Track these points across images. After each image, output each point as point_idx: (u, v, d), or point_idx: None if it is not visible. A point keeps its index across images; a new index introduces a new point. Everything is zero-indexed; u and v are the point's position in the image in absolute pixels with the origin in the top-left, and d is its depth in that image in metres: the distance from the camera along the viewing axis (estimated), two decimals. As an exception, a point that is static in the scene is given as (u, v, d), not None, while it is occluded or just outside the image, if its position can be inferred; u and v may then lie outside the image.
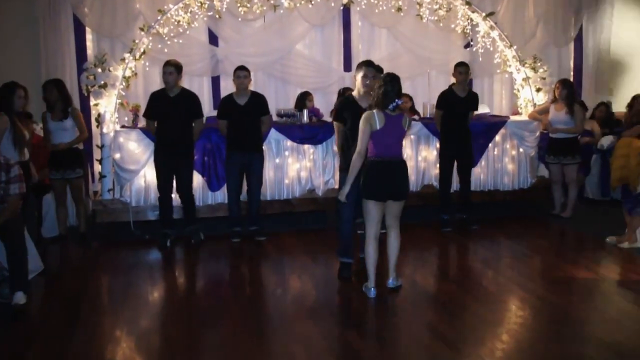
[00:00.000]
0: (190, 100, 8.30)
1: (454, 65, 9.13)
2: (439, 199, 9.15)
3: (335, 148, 9.26)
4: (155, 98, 8.24)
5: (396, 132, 6.16)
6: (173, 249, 8.30)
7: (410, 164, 9.45)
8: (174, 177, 8.30)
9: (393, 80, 6.09)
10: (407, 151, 9.47)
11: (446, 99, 8.96)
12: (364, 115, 6.10)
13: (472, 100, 9.04)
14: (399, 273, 6.66)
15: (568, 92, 9.37)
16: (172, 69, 8.07)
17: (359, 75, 6.70)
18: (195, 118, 8.30)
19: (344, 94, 9.03)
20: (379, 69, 7.41)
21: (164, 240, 8.33)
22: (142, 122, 9.02)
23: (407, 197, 6.37)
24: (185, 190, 8.36)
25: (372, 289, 6.31)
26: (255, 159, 8.50)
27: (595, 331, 5.58)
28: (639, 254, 7.86)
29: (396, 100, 6.04)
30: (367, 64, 6.77)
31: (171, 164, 8.20)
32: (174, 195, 8.46)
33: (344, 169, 6.62)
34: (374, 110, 6.06)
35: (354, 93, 6.85)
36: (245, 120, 8.37)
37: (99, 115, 8.69)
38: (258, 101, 8.50)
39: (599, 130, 10.70)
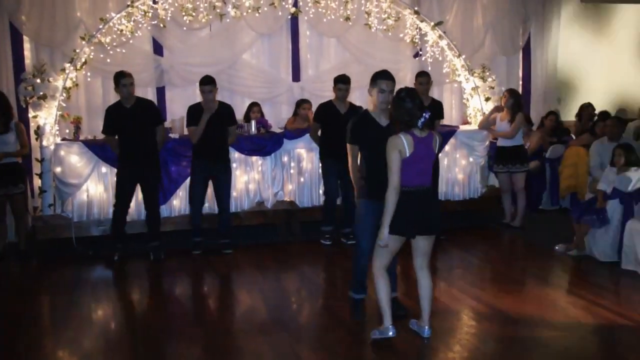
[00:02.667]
0: (149, 108, 8.32)
1: (415, 75, 9.22)
2: None
3: (285, 159, 9.35)
4: (113, 112, 8.18)
5: (427, 156, 5.43)
6: (120, 264, 8.22)
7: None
8: (140, 190, 8.29)
9: (410, 94, 5.38)
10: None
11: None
12: (390, 141, 5.30)
13: (436, 109, 8.97)
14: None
15: (514, 101, 9.50)
16: (132, 79, 8.08)
17: (376, 89, 5.85)
18: (157, 125, 8.29)
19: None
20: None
21: (112, 254, 8.27)
22: (83, 134, 8.92)
23: (439, 229, 5.68)
24: (153, 203, 8.34)
25: (391, 327, 5.50)
26: (222, 169, 8.52)
27: (545, 338, 5.70)
28: (587, 261, 8.05)
29: (424, 114, 5.30)
30: (385, 76, 5.90)
31: (137, 177, 8.18)
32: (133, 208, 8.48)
33: (367, 197, 5.87)
34: (401, 134, 5.29)
35: (370, 109, 6.05)
36: (213, 130, 8.37)
37: (38, 127, 8.57)
38: (225, 111, 8.53)
39: (538, 142, 10.82)
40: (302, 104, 10.00)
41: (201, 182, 8.49)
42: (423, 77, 9.01)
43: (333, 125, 8.62)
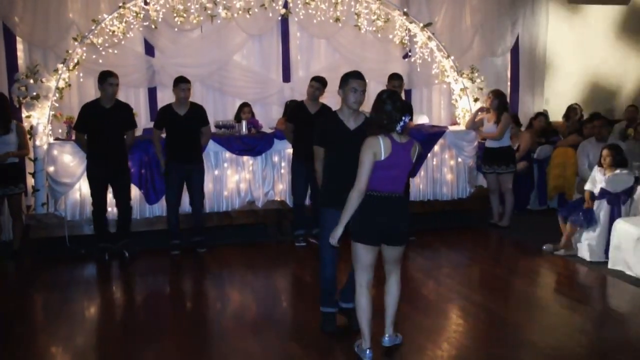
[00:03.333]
0: (126, 111, 8.31)
1: (388, 78, 9.16)
2: None
3: (276, 159, 9.38)
4: (89, 110, 8.18)
5: (403, 163, 5.00)
6: (110, 263, 8.23)
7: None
8: (110, 189, 8.27)
9: (392, 96, 4.99)
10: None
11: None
12: (366, 142, 4.89)
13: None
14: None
15: (499, 102, 9.55)
16: (118, 80, 8.12)
17: (346, 88, 5.43)
18: (129, 129, 8.31)
19: (290, 106, 9.06)
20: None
21: (102, 254, 8.29)
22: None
23: (406, 240, 5.29)
24: (123, 202, 8.32)
25: (368, 350, 5.10)
26: (195, 170, 8.51)
27: (532, 337, 5.76)
28: (575, 261, 8.09)
29: (403, 117, 4.90)
30: (356, 76, 5.49)
31: (106, 176, 8.17)
32: (110, 208, 8.42)
33: (328, 204, 5.46)
34: (379, 136, 4.89)
35: (338, 110, 5.65)
36: (185, 131, 8.38)
37: (31, 127, 8.58)
38: (198, 112, 8.53)
39: (528, 143, 10.89)
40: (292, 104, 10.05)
41: (175, 185, 8.49)
42: (395, 80, 8.94)
43: (302, 125, 8.55)
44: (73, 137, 8.72)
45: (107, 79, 8.05)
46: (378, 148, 4.84)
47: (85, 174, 8.52)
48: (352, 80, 5.41)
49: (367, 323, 5.10)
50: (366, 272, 5.10)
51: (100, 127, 8.07)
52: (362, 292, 5.11)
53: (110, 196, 8.36)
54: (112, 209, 8.43)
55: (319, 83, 8.64)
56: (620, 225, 7.65)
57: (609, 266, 7.71)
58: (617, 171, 7.89)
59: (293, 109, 8.91)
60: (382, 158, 4.84)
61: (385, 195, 4.94)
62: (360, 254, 5.05)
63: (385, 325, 5.31)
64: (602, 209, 7.94)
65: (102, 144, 8.09)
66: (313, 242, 8.88)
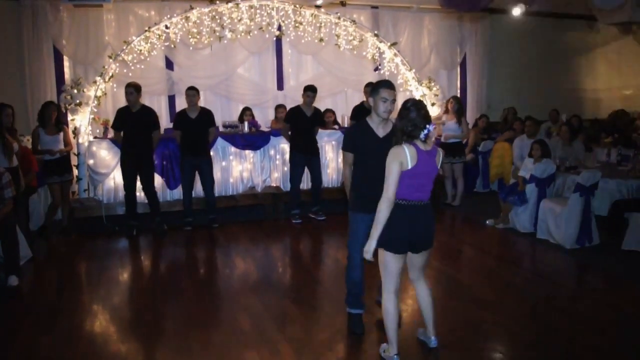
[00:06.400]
0: (150, 115, 8.32)
1: (364, 86, 9.21)
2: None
3: (272, 152, 9.42)
4: (121, 113, 8.23)
5: (429, 170, 4.23)
6: (138, 237, 8.26)
7: (332, 165, 9.64)
8: (138, 177, 8.29)
9: (417, 104, 4.21)
10: (329, 154, 9.63)
11: (358, 112, 8.95)
12: (392, 152, 4.14)
13: None
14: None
15: (459, 106, 9.66)
16: (132, 89, 8.10)
17: (376, 97, 4.63)
18: (154, 129, 8.32)
19: (288, 110, 9.08)
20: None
21: (131, 231, 8.33)
22: (111, 133, 8.95)
23: (432, 245, 4.44)
24: (148, 187, 8.34)
25: (396, 356, 4.34)
26: (204, 162, 8.55)
27: (478, 293, 5.83)
28: (510, 232, 8.20)
29: (427, 126, 4.14)
30: (386, 85, 4.66)
31: (135, 166, 8.20)
32: (139, 193, 8.44)
33: (358, 209, 4.76)
34: (404, 145, 4.14)
35: (368, 118, 4.82)
36: (196, 131, 8.42)
37: (75, 128, 8.61)
38: (206, 115, 8.57)
39: (474, 139, 10.99)
40: (278, 108, 10.23)
41: (188, 174, 8.56)
42: (369, 87, 8.84)
43: (300, 125, 8.78)
44: (109, 136, 8.77)
45: (125, 89, 8.14)
46: (404, 157, 4.10)
47: (118, 165, 8.57)
48: (383, 90, 4.61)
49: (394, 329, 4.35)
50: (394, 280, 4.33)
51: (128, 126, 8.14)
52: (389, 298, 4.34)
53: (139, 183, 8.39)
54: (139, 193, 8.47)
55: (313, 92, 8.78)
56: (545, 203, 7.75)
57: (537, 236, 7.81)
58: (544, 161, 7.96)
59: (291, 113, 8.91)
60: (409, 167, 4.11)
61: (413, 203, 4.21)
62: (389, 262, 4.29)
63: (427, 328, 4.59)
64: (532, 191, 8.01)
65: (131, 140, 8.14)
66: (314, 217, 9.05)
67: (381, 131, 4.71)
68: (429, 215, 4.32)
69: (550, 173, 7.97)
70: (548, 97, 13.12)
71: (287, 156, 9.31)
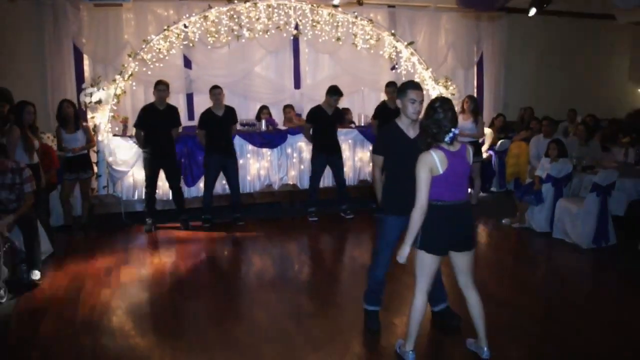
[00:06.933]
0: (175, 112, 8.44)
1: (384, 85, 9.27)
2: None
3: (289, 150, 9.45)
4: (146, 111, 8.27)
5: (461, 170, 4.11)
6: (156, 234, 8.31)
7: (348, 164, 9.66)
8: (162, 174, 8.36)
9: (444, 104, 4.06)
10: (346, 153, 9.63)
11: (381, 111, 9.06)
12: (421, 159, 4.02)
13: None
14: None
15: (475, 105, 9.62)
16: (165, 87, 8.24)
17: (404, 99, 4.58)
18: (176, 127, 8.41)
19: (310, 110, 9.03)
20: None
21: (150, 227, 8.40)
22: (130, 131, 9.02)
23: (475, 245, 4.35)
24: (174, 183, 8.43)
25: (411, 352, 4.31)
26: (230, 161, 8.61)
27: (492, 290, 5.80)
28: (526, 231, 8.17)
29: (452, 129, 4.01)
30: (413, 86, 4.60)
31: (160, 164, 8.28)
32: (159, 191, 8.53)
33: (390, 211, 4.70)
34: (431, 151, 4.02)
35: (397, 119, 4.74)
36: (223, 129, 8.50)
37: (95, 126, 8.68)
38: (231, 113, 8.65)
39: (491, 138, 10.96)
40: (286, 108, 10.24)
41: (213, 172, 8.60)
42: (391, 87, 9.04)
43: (322, 124, 8.79)
44: (128, 134, 8.84)
45: (157, 86, 8.21)
46: (434, 164, 3.99)
47: (137, 162, 8.66)
48: (410, 91, 4.54)
49: (418, 325, 4.29)
50: (429, 280, 4.24)
51: (154, 124, 8.19)
52: (421, 296, 4.25)
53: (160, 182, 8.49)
54: (159, 190, 8.53)
55: (341, 96, 8.80)
56: (561, 203, 7.73)
57: (553, 235, 7.78)
58: (560, 160, 7.95)
59: (313, 112, 8.91)
60: (441, 172, 4.00)
61: (450, 204, 4.10)
62: (427, 263, 4.18)
63: (479, 338, 4.39)
64: (548, 190, 7.97)
65: (156, 138, 8.20)
66: (342, 216, 9.04)
67: (412, 132, 4.63)
68: (467, 215, 4.22)
69: (567, 173, 7.93)
70: (566, 97, 13.05)
71: (305, 154, 9.38)
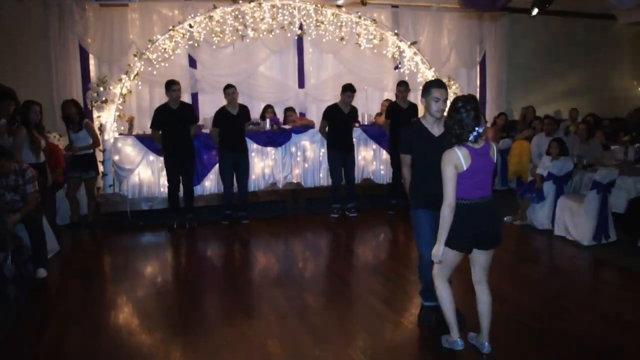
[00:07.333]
0: (190, 110, 8.53)
1: (396, 84, 9.31)
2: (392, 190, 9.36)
3: (293, 149, 9.49)
4: (162, 112, 8.32)
5: (485, 167, 4.14)
6: (162, 232, 8.35)
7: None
8: (180, 173, 8.41)
9: (467, 103, 4.05)
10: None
11: (392, 110, 9.12)
12: (445, 156, 4.06)
13: (413, 110, 9.11)
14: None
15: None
16: (179, 86, 8.31)
17: (428, 98, 4.58)
18: (193, 124, 8.49)
19: (327, 109, 9.09)
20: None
21: (172, 223, 8.46)
22: (135, 131, 9.07)
23: (498, 243, 4.29)
24: (189, 183, 8.48)
25: (458, 340, 4.39)
26: (244, 157, 8.68)
27: (494, 287, 5.82)
28: (528, 228, 8.21)
29: (476, 128, 4.01)
30: (437, 85, 4.63)
31: (178, 163, 8.32)
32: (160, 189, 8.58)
33: (418, 206, 4.72)
34: (455, 148, 4.04)
35: (422, 118, 4.76)
36: (237, 127, 8.57)
37: (101, 125, 8.73)
38: (245, 110, 8.74)
39: (493, 137, 10.94)
40: (287, 111, 10.27)
41: (229, 169, 8.63)
42: (402, 86, 9.10)
43: (338, 122, 8.87)
44: (133, 133, 8.90)
45: (171, 86, 8.24)
46: (458, 161, 4.01)
47: (143, 161, 8.72)
48: (434, 89, 4.55)
49: (453, 312, 4.34)
50: (449, 271, 4.33)
51: (170, 124, 8.24)
52: (443, 285, 4.33)
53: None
54: (163, 189, 8.59)
55: (354, 92, 8.92)
56: (562, 200, 7.75)
57: (554, 233, 7.80)
58: (561, 159, 7.97)
59: (329, 111, 8.98)
60: (465, 168, 4.01)
61: (475, 202, 4.11)
62: (449, 257, 4.21)
63: (482, 333, 4.38)
64: (549, 188, 8.00)
65: (172, 138, 8.25)
66: (347, 214, 9.07)
67: (436, 130, 4.64)
68: (492, 212, 4.21)
69: (568, 170, 7.96)
70: (567, 96, 13.07)
71: (309, 153, 9.44)
